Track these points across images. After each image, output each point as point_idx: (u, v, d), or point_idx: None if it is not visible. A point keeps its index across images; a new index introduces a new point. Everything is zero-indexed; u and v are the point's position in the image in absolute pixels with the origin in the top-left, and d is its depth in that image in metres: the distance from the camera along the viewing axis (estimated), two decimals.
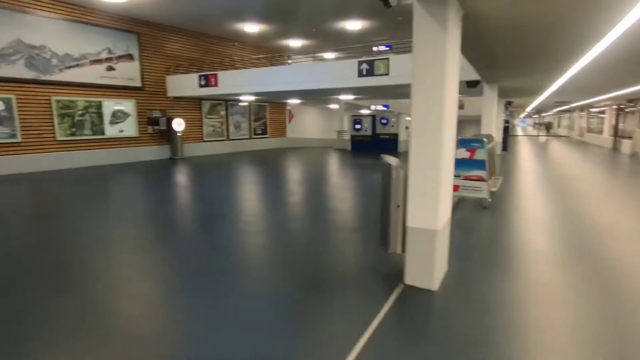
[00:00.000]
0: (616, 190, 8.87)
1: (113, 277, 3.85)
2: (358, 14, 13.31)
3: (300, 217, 6.33)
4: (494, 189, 7.04)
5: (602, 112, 22.46)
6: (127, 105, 13.82)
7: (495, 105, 11.25)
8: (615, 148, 18.56)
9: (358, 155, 16.74)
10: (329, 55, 17.89)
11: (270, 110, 20.19)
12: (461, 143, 6.77)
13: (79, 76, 12.39)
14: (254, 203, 7.47)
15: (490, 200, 6.71)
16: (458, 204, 6.86)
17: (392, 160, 3.61)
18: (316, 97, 18.24)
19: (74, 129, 12.45)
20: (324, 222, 5.93)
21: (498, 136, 13.38)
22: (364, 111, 20.24)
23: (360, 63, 11.30)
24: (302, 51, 18.21)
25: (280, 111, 20.98)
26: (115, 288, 3.58)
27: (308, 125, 23.76)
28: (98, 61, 12.85)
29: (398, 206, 3.53)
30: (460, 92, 9.76)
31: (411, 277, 3.51)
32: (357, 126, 18.70)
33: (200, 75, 14.10)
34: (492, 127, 10.81)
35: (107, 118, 13.27)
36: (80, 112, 12.58)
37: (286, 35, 16.39)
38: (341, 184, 9.89)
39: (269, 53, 17.74)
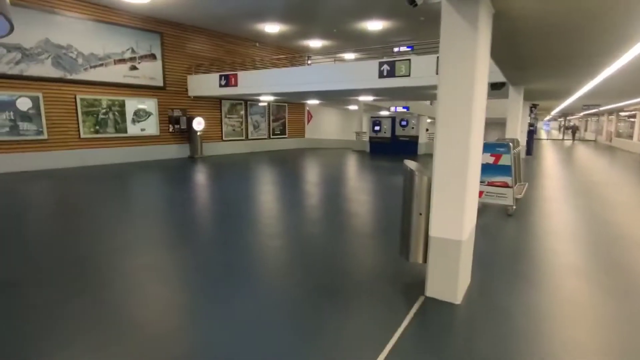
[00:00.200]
0: None
1: (128, 275, 3.83)
2: (379, 14, 13.12)
3: (317, 220, 6.23)
4: (519, 196, 6.76)
5: (633, 116, 21.55)
6: (149, 104, 14.03)
7: (521, 108, 10.88)
8: None
9: (377, 157, 16.53)
10: (349, 56, 17.75)
11: (289, 110, 20.19)
12: (485, 147, 6.53)
13: (103, 75, 12.64)
14: (272, 204, 7.41)
15: (515, 207, 6.45)
16: (481, 211, 6.62)
17: (414, 165, 3.47)
18: (335, 98, 18.13)
19: (97, 127, 12.71)
20: (342, 226, 5.81)
21: (522, 140, 12.96)
22: (384, 113, 20.01)
23: (381, 64, 11.13)
24: (322, 52, 18.13)
25: (299, 112, 20.95)
26: (130, 287, 3.55)
27: (327, 126, 23.68)
28: (122, 61, 13.08)
29: (420, 214, 3.38)
30: None
31: (433, 289, 3.35)
32: (376, 128, 18.49)
33: (221, 75, 14.19)
34: (518, 130, 10.45)
35: (129, 117, 13.51)
36: (104, 110, 12.83)
37: (307, 36, 16.33)
38: (360, 186, 9.74)
39: (289, 53, 17.73)
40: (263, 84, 13.72)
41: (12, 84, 10.78)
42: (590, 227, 5.91)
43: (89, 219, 6.10)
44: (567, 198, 8.27)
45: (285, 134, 20.24)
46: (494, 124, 18.58)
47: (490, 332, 2.86)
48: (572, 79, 8.56)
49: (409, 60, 10.80)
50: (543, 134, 42.95)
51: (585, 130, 40.22)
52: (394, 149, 17.83)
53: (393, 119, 18.24)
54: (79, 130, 12.25)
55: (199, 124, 15.02)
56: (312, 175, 11.71)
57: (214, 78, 14.38)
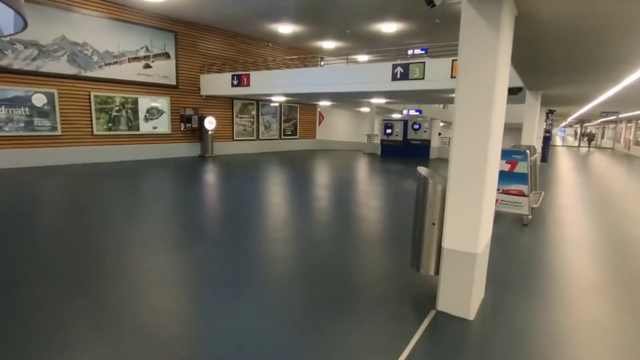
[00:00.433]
0: None
1: (128, 276, 3.76)
2: (394, 16, 12.96)
3: (326, 225, 6.11)
4: (535, 205, 6.55)
5: None
6: (161, 103, 14.09)
7: (538, 114, 10.62)
8: None
9: (388, 160, 16.35)
10: (363, 57, 17.60)
11: (300, 111, 20.12)
12: (501, 154, 6.32)
13: (117, 73, 12.72)
14: (280, 207, 7.32)
15: (530, 216, 6.25)
16: (496, 219, 6.39)
17: (428, 172, 3.32)
18: (348, 99, 18.00)
19: (110, 124, 12.79)
20: (351, 233, 5.68)
21: (538, 146, 12.65)
22: (396, 115, 19.81)
23: (394, 66, 10.98)
24: (335, 53, 18.03)
25: (310, 113, 20.87)
26: (128, 289, 3.48)
27: (338, 127, 23.57)
28: (136, 59, 13.15)
29: (433, 224, 3.24)
30: None
31: (445, 304, 3.21)
32: (388, 131, 18.30)
33: (233, 75, 14.18)
34: (534, 137, 10.19)
35: (142, 115, 13.58)
36: (117, 108, 12.92)
37: (320, 37, 16.24)
38: (370, 190, 9.59)
39: (301, 54, 17.67)
40: (275, 85, 13.67)
41: (28, 80, 10.91)
42: (608, 240, 5.68)
43: (97, 216, 6.08)
44: (584, 208, 8.01)
45: (296, 135, 20.18)
46: (508, 129, 18.21)
47: (504, 352, 2.71)
48: (593, 85, 8.30)
49: (423, 63, 10.64)
50: (558, 141, 42.14)
51: (602, 137, 39.34)
52: (406, 153, 17.63)
53: (405, 122, 18.03)
54: (92, 127, 12.35)
55: (210, 123, 15.03)
56: (322, 177, 11.60)
57: (226, 77, 14.38)
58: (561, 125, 45.71)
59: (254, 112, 17.68)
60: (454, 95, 3.05)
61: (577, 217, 7.11)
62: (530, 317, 3.23)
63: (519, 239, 5.61)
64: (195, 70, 14.92)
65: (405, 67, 10.85)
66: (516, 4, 2.97)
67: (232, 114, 16.76)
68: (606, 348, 2.86)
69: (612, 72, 6.37)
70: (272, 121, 18.73)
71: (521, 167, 6.32)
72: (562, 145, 36.34)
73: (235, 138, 17.02)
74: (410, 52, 12.23)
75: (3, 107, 10.52)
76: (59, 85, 11.50)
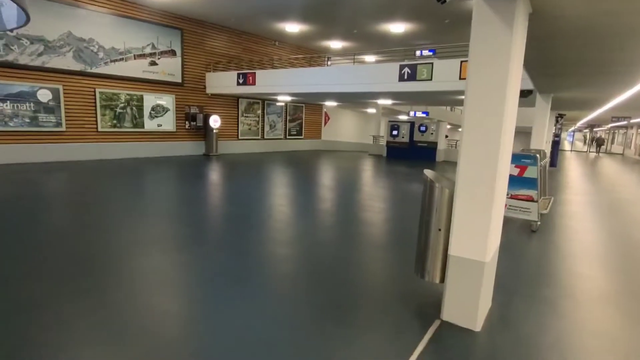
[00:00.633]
0: None
1: (130, 276, 3.65)
2: (402, 16, 12.80)
3: (329, 228, 5.97)
4: (544, 211, 6.37)
5: None
6: (166, 100, 14.04)
7: (548, 118, 10.40)
8: None
9: (394, 162, 16.17)
10: (370, 58, 17.45)
11: (306, 111, 20.00)
12: (511, 158, 6.16)
13: (123, 70, 12.69)
14: (283, 208, 7.19)
15: (539, 223, 6.06)
16: (503, 225, 6.23)
17: (435, 176, 3.18)
18: (354, 100, 17.86)
19: (115, 121, 12.76)
20: (355, 236, 5.53)
21: (547, 151, 12.42)
22: (402, 117, 19.63)
23: (402, 67, 10.83)
24: (342, 53, 17.89)
25: (316, 113, 20.74)
26: (130, 289, 3.37)
27: (344, 128, 23.42)
28: (142, 56, 13.11)
29: (440, 230, 3.09)
30: None
31: (450, 313, 3.05)
32: (394, 132, 18.11)
33: (239, 74, 14.09)
34: (544, 141, 9.98)
35: (147, 112, 13.53)
36: (122, 104, 12.88)
37: (327, 36, 16.11)
38: (375, 193, 9.44)
39: (307, 53, 17.55)
40: (281, 84, 13.57)
41: (34, 75, 10.90)
42: (618, 249, 5.49)
43: (98, 214, 6.00)
44: (593, 215, 7.79)
45: (302, 135, 20.06)
46: (517, 132, 17.88)
47: None
48: (605, 89, 8.08)
49: (431, 63, 10.47)
50: (567, 145, 41.63)
51: (612, 143, 38.80)
52: (412, 155, 17.43)
53: (412, 123, 17.84)
54: (96, 124, 12.32)
55: (215, 121, 14.95)
56: (326, 178, 11.47)
57: (231, 76, 14.30)
58: (570, 129, 45.20)
59: (259, 112, 17.60)
60: (461, 97, 2.91)
61: (586, 224, 6.91)
62: (538, 328, 3.07)
63: (527, 245, 5.43)
64: (201, 68, 14.85)
65: (413, 67, 10.69)
66: (531, 1, 2.81)
67: (237, 113, 16.69)
68: None
69: (627, 75, 6.16)
70: (278, 121, 18.63)
71: (530, 172, 6.14)
72: (571, 150, 35.89)
73: (240, 137, 16.93)
74: (418, 53, 12.08)
75: (8, 102, 10.52)
76: (64, 81, 11.48)
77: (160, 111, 13.92)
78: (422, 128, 17.56)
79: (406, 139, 17.85)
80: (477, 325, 2.95)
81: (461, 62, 9.75)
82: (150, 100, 13.58)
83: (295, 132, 19.66)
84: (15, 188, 7.82)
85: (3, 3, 2.32)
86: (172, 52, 13.86)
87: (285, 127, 19.07)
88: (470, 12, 2.73)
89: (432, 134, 17.41)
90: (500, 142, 2.73)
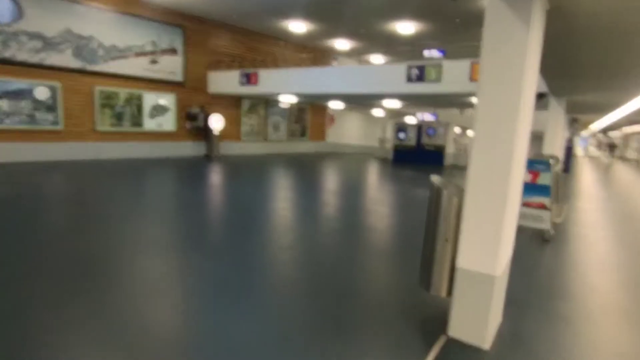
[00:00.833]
0: None
1: (124, 280, 3.34)
2: (411, 15, 12.37)
3: (332, 234, 5.61)
4: (558, 220, 5.92)
5: None
6: (167, 100, 13.78)
7: (562, 122, 9.92)
8: None
9: (400, 166, 15.74)
10: (376, 58, 17.06)
11: (310, 112, 19.64)
12: None
13: (122, 68, 12.45)
14: (285, 212, 6.85)
15: (553, 232, 5.63)
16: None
17: (443, 182, 2.84)
18: (360, 101, 17.47)
19: (114, 120, 12.53)
20: (358, 243, 5.18)
21: (561, 156, 11.92)
22: (409, 119, 19.18)
23: (409, 68, 10.43)
24: (348, 53, 17.52)
25: (321, 114, 20.37)
26: (125, 294, 3.05)
27: (349, 130, 23.02)
28: (142, 54, 12.87)
29: (447, 240, 2.76)
30: None
31: (457, 329, 2.74)
32: (401, 135, 17.67)
33: (241, 73, 13.78)
34: (557, 146, 9.50)
35: (147, 111, 13.28)
36: (122, 103, 12.64)
37: (332, 36, 15.74)
38: (380, 198, 9.04)
39: (312, 53, 17.20)
40: (285, 84, 13.25)
41: (32, 73, 10.70)
42: (636, 260, 5.05)
43: (94, 215, 5.77)
44: (609, 223, 7.32)
45: (306, 137, 19.70)
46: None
47: None
48: (627, 91, 7.60)
49: (440, 64, 10.06)
50: (579, 150, 40.76)
51: (626, 147, 37.85)
52: (419, 158, 16.97)
53: (419, 126, 17.39)
54: (95, 123, 12.09)
55: (217, 122, 14.64)
56: (331, 182, 11.10)
57: (234, 75, 13.98)
58: (582, 133, 44.28)
59: (262, 112, 17.28)
60: (472, 99, 2.56)
61: (602, 233, 6.45)
62: (552, 347, 2.77)
63: (539, 256, 5.02)
64: (203, 67, 14.56)
65: (421, 68, 10.29)
66: None
67: (240, 113, 16.38)
68: None
69: None
70: (281, 122, 18.30)
71: (544, 178, 5.72)
72: (584, 155, 35.09)
73: (242, 138, 16.63)
74: (426, 52, 11.67)
75: (6, 99, 10.33)
76: (63, 78, 11.27)
77: (161, 110, 13.67)
78: (431, 131, 17.10)
79: (413, 142, 17.40)
80: (486, 342, 2.66)
81: (472, 62, 9.33)
82: (151, 99, 13.32)
83: (299, 134, 19.31)
84: (11, 187, 7.61)
85: None
86: (173, 51, 13.60)
87: (289, 129, 18.73)
88: (482, 12, 2.49)
89: (440, 137, 16.95)
90: (513, 148, 2.43)
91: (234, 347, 2.59)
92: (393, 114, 20.63)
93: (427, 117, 17.87)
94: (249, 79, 13.55)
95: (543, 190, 5.77)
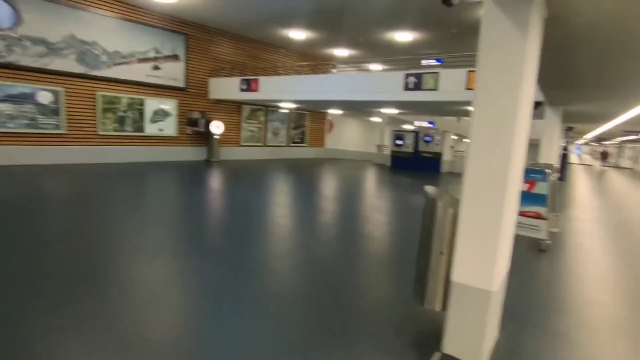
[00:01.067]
0: None
1: (120, 285, 3.40)
2: (409, 25, 12.59)
3: (327, 242, 5.68)
4: (555, 230, 6.04)
5: None
6: (169, 105, 13.89)
7: (558, 131, 10.09)
8: None
9: (398, 172, 15.87)
10: (375, 66, 17.27)
11: (310, 119, 19.80)
12: None
13: (125, 73, 12.56)
14: (281, 220, 6.92)
15: (549, 241, 5.74)
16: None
17: (438, 193, 2.88)
18: (358, 108, 17.64)
19: (116, 125, 12.61)
20: (353, 252, 5.24)
21: (556, 165, 12.08)
22: (407, 127, 19.37)
23: (407, 76, 10.61)
24: (347, 60, 17.72)
25: (320, 120, 20.53)
26: (121, 297, 3.11)
27: (348, 137, 23.18)
28: (145, 60, 12.99)
29: (441, 253, 2.80)
30: None
31: (452, 346, 2.75)
32: (399, 142, 17.83)
33: (242, 80, 13.93)
34: (553, 155, 9.65)
35: (148, 116, 13.38)
36: (124, 108, 12.74)
37: (332, 44, 15.94)
38: (378, 205, 9.15)
39: (312, 61, 17.40)
40: (284, 91, 13.39)
41: (35, 77, 10.79)
42: (634, 272, 5.15)
43: (94, 217, 5.79)
44: (605, 233, 7.45)
45: (305, 143, 19.83)
46: None
47: None
48: (624, 101, 7.76)
49: (437, 73, 10.24)
50: (574, 159, 41.10)
51: (620, 156, 38.26)
52: (416, 165, 17.12)
53: (417, 133, 17.57)
54: (97, 127, 12.17)
55: (217, 127, 14.76)
56: (329, 188, 11.20)
57: (235, 82, 14.14)
58: (577, 142, 44.67)
59: (262, 118, 17.41)
60: (468, 107, 2.65)
61: (598, 243, 6.57)
62: None
63: (536, 267, 5.11)
64: (205, 74, 14.72)
65: (419, 77, 10.47)
66: (548, 3, 2.56)
67: (240, 119, 16.51)
68: None
69: None
70: (281, 128, 18.44)
71: (540, 188, 5.83)
72: (579, 163, 35.39)
73: (242, 143, 16.74)
74: (424, 62, 11.87)
75: (9, 103, 10.40)
76: (66, 83, 11.36)
77: (162, 116, 13.77)
78: (428, 138, 17.28)
79: (411, 149, 17.56)
80: (482, 359, 2.66)
81: (468, 71, 9.51)
82: (153, 104, 13.43)
83: (298, 140, 19.44)
84: (14, 189, 7.65)
85: None
86: (176, 57, 13.74)
87: (289, 135, 18.86)
88: (478, 22, 2.48)
89: (437, 144, 17.12)
90: (510, 158, 2.45)
91: (219, 355, 2.64)
92: (391, 120, 20.82)
93: (424, 124, 18.08)
94: (249, 85, 13.70)
95: (539, 199, 5.86)
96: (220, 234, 5.78)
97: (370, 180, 13.45)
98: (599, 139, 36.22)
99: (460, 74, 9.68)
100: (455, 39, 13.18)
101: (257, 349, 2.72)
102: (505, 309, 3.14)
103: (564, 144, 16.54)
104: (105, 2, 11.74)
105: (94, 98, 12.01)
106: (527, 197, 5.85)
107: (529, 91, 2.69)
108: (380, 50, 15.74)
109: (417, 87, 10.48)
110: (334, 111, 19.63)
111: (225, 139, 15.52)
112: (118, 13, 12.08)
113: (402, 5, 10.65)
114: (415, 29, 12.98)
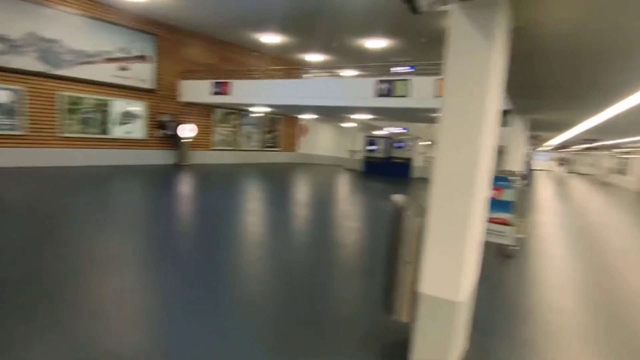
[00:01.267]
0: None
1: (77, 299, 3.17)
2: (382, 33, 12.76)
3: (297, 249, 5.61)
4: (521, 235, 6.19)
5: (628, 153, 21.42)
6: (137, 107, 13.42)
7: (524, 139, 10.45)
8: None
9: (370, 177, 16.00)
10: (348, 72, 17.39)
11: (283, 123, 19.68)
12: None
13: (90, 73, 12.04)
14: (252, 227, 6.78)
15: (517, 247, 5.88)
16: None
17: (405, 201, 2.85)
18: (332, 114, 17.68)
19: (80, 126, 12.05)
20: (323, 259, 5.18)
21: (521, 171, 12.50)
22: (380, 132, 19.58)
23: (379, 82, 10.71)
24: (319, 66, 17.76)
25: (293, 125, 20.46)
26: (76, 308, 2.90)
27: (321, 141, 23.19)
28: (112, 60, 12.52)
29: (409, 263, 2.77)
30: None
31: (420, 356, 2.72)
32: (371, 147, 18.02)
33: (214, 83, 13.66)
34: (519, 162, 9.96)
35: (115, 118, 12.87)
36: (89, 109, 12.20)
37: (305, 49, 15.95)
38: (350, 210, 9.15)
39: (285, 65, 17.32)
40: (257, 95, 13.24)
41: None
42: (594, 277, 5.40)
43: (53, 225, 5.45)
44: (568, 238, 7.74)
45: (278, 147, 19.68)
46: None
47: None
48: (582, 111, 8.11)
49: (408, 80, 10.41)
50: (536, 165, 42.97)
51: (579, 163, 40.33)
52: (388, 170, 17.33)
53: (389, 139, 17.80)
54: (59, 128, 11.58)
55: (189, 130, 14.38)
56: (301, 193, 11.12)
57: (206, 85, 13.84)
58: (539, 149, 46.66)
59: (234, 122, 17.14)
60: (437, 114, 2.64)
61: (561, 249, 6.81)
62: None
63: (502, 273, 5.23)
64: (175, 76, 14.34)
65: (390, 83, 10.59)
66: (515, 14, 2.60)
67: (211, 123, 16.18)
68: None
69: (607, 98, 6.13)
70: (254, 132, 18.22)
71: (507, 195, 5.95)
72: (540, 169, 36.94)
73: (213, 147, 16.40)
74: (395, 69, 12.04)
75: None
76: (27, 82, 10.77)
77: (130, 118, 13.28)
78: (399, 144, 17.53)
79: (382, 155, 17.76)
80: None
81: (438, 79, 9.69)
82: (120, 105, 12.94)
83: (271, 144, 19.27)
84: None
85: None
86: (144, 58, 13.32)
87: (262, 139, 18.66)
88: (446, 30, 2.48)
89: (408, 150, 17.40)
90: (477, 166, 2.46)
91: (186, 347, 2.52)
92: (365, 126, 20.99)
93: (396, 130, 18.33)
94: (221, 88, 13.45)
95: (505, 206, 5.99)
96: (185, 242, 5.57)
97: (343, 186, 13.47)
98: (562, 147, 38.01)
99: (429, 81, 9.87)
100: (426, 47, 13.46)
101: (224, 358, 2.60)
102: (474, 317, 3.15)
103: (529, 151, 17.19)
104: None
105: (56, 98, 11.43)
106: (495, 204, 5.95)
107: (496, 100, 2.71)
108: (353, 56, 15.88)
109: (389, 93, 10.60)
110: (307, 116, 19.61)
111: (196, 143, 15.15)
112: (84, 11, 11.59)
113: (375, 13, 10.78)
114: (388, 36, 13.17)
